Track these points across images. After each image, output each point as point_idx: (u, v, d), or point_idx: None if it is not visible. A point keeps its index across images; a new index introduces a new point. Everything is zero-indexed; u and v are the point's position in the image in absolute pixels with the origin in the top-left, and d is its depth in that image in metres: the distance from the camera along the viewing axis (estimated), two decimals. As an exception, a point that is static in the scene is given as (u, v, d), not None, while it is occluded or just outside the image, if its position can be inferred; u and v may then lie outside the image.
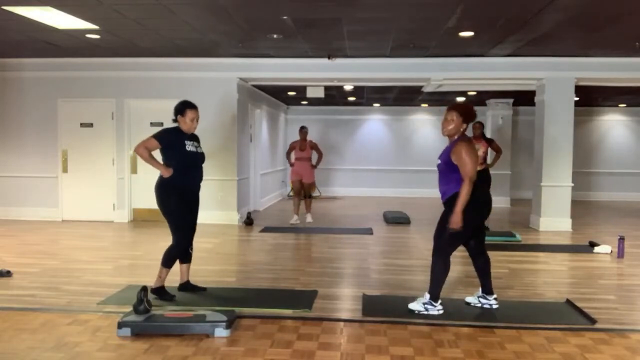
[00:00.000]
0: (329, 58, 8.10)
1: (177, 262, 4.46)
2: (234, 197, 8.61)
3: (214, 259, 6.09)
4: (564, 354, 3.30)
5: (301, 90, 10.32)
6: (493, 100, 12.00)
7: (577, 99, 8.78)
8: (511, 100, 12.07)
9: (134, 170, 8.73)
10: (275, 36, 6.76)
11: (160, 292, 4.29)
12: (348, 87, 10.02)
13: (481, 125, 7.89)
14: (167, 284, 4.39)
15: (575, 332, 3.69)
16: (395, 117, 14.31)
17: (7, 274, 5.08)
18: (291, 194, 13.01)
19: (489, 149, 7.90)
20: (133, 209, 8.84)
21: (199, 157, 4.44)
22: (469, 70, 8.22)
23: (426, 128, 14.25)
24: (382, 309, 4.17)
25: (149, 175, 8.62)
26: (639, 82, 8.59)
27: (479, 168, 4.60)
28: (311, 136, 9.03)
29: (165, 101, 8.59)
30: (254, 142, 10.55)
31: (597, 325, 3.82)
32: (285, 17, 5.85)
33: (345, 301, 4.48)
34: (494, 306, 4.17)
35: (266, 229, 8.17)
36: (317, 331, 3.66)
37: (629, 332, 3.73)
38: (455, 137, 3.99)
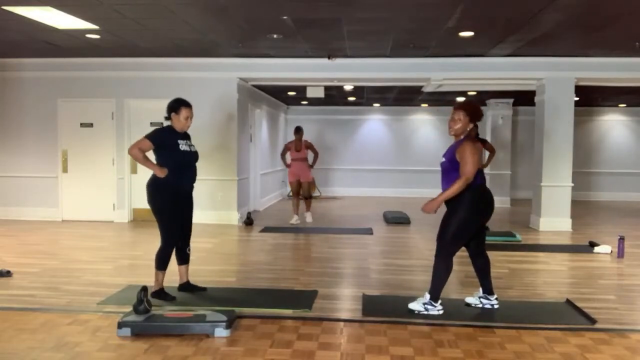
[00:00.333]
0: (329, 58, 8.10)
1: (175, 263, 4.45)
2: (234, 197, 8.61)
3: (213, 259, 6.09)
4: (564, 354, 3.30)
5: (301, 90, 10.32)
6: (493, 100, 12.01)
7: (577, 99, 8.77)
8: (511, 100, 12.08)
9: (134, 170, 8.73)
10: (275, 36, 6.76)
11: (160, 294, 4.28)
12: (348, 87, 10.02)
13: (476, 126, 7.90)
14: (166, 284, 4.39)
15: (575, 332, 3.69)
16: (395, 117, 14.31)
17: (7, 274, 5.08)
18: (291, 194, 13.04)
19: (484, 150, 7.93)
20: (133, 209, 8.84)
21: (193, 156, 4.39)
22: (469, 70, 8.22)
23: (426, 128, 14.26)
24: (382, 309, 4.17)
25: (149, 175, 8.66)
26: (639, 82, 8.59)
27: None
28: (312, 136, 9.05)
29: (165, 101, 8.41)
30: (254, 142, 10.56)
31: (597, 325, 3.82)
32: (285, 17, 5.85)
33: (345, 301, 4.48)
34: (495, 306, 4.17)
35: (266, 229, 8.17)
36: (317, 331, 3.66)
37: (629, 332, 3.73)
38: (462, 136, 3.99)
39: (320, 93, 9.95)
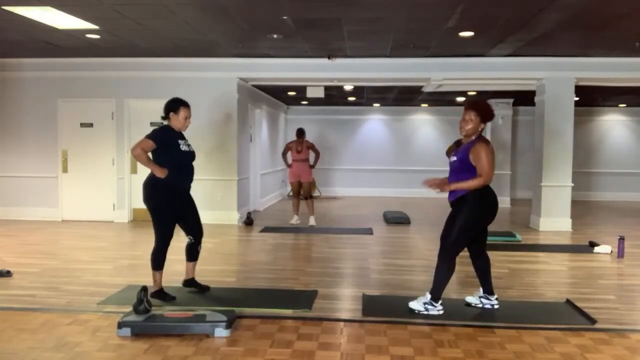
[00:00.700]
0: (329, 58, 8.10)
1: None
2: (234, 197, 8.61)
3: (214, 259, 6.09)
4: (564, 354, 3.30)
5: (301, 90, 10.32)
6: (493, 100, 11.99)
7: (577, 99, 8.77)
8: (511, 100, 12.08)
9: (133, 170, 8.73)
10: (275, 36, 6.76)
11: (160, 294, 4.28)
12: (348, 87, 10.02)
13: None
14: (167, 284, 4.39)
15: (575, 332, 3.69)
16: (395, 117, 14.31)
17: (7, 274, 5.08)
18: (291, 194, 13.03)
19: None
20: (133, 209, 8.84)
21: (192, 156, 4.38)
22: (469, 70, 8.22)
23: (426, 128, 14.26)
24: (382, 309, 4.17)
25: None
26: (639, 82, 8.59)
27: None
28: (312, 136, 9.05)
29: (165, 101, 8.59)
30: (254, 142, 10.55)
31: (597, 325, 3.82)
32: (285, 17, 5.85)
33: (345, 301, 4.48)
34: (495, 306, 4.17)
35: (266, 229, 8.17)
36: (317, 331, 3.66)
37: (629, 332, 3.73)
38: (473, 137, 3.97)
39: (320, 93, 9.95)
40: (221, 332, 3.52)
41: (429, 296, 4.03)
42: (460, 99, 11.85)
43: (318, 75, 8.54)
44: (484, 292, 4.21)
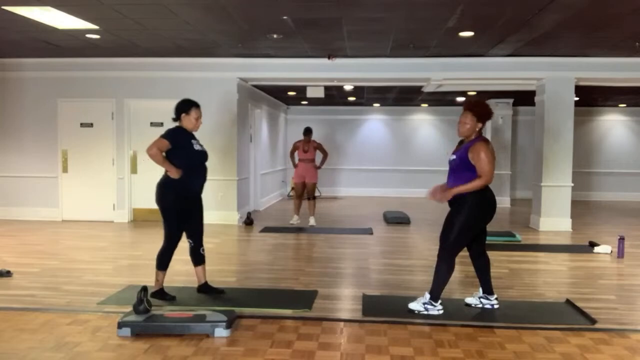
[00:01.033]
0: (329, 58, 8.10)
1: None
2: (234, 197, 8.61)
3: (214, 259, 6.09)
4: (564, 354, 3.30)
5: (301, 90, 10.32)
6: (493, 100, 11.99)
7: (577, 99, 8.77)
8: (511, 100, 12.08)
9: (134, 170, 8.73)
10: (275, 36, 6.77)
11: (160, 294, 4.28)
12: (348, 87, 10.02)
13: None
14: (168, 284, 4.39)
15: (575, 332, 3.69)
16: (395, 117, 14.31)
17: (7, 274, 5.08)
18: (291, 194, 13.03)
19: None
20: (133, 209, 8.84)
21: (205, 156, 4.40)
22: (469, 70, 8.22)
23: (426, 128, 14.26)
24: (382, 309, 4.16)
25: (149, 175, 8.66)
26: (639, 82, 8.59)
27: None
28: (312, 136, 8.99)
29: (165, 101, 8.56)
30: (254, 142, 10.55)
31: (597, 325, 3.82)
32: (285, 17, 5.85)
33: (345, 301, 4.48)
34: (495, 306, 4.18)
35: (266, 229, 8.17)
36: (317, 331, 3.66)
37: (629, 332, 3.73)
38: (473, 137, 3.98)
39: (320, 93, 9.95)
40: (221, 332, 3.52)
41: (428, 296, 4.03)
42: (460, 99, 11.85)
43: (318, 75, 8.53)
44: (483, 292, 4.21)
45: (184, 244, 4.46)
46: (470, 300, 4.28)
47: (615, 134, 13.86)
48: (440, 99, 12.15)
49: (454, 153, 4.09)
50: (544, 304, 4.38)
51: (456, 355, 3.26)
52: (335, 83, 9.19)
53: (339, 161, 14.19)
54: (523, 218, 9.60)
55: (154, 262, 4.31)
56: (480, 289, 4.22)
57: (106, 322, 3.78)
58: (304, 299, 4.39)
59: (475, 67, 8.17)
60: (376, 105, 14.04)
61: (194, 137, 4.35)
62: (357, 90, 10.78)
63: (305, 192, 8.85)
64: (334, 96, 11.82)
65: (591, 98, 11.49)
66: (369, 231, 8.06)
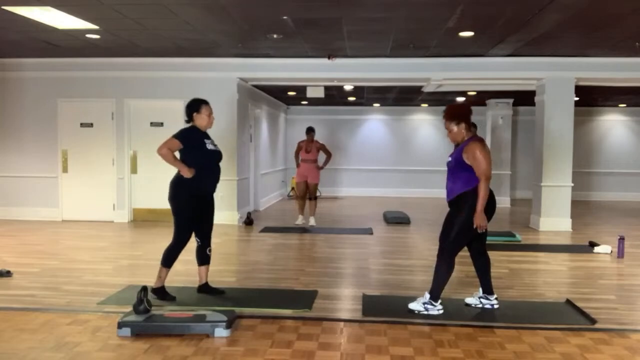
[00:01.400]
0: (329, 58, 8.10)
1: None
2: (234, 197, 8.61)
3: (214, 259, 6.04)
4: (564, 354, 3.30)
5: (301, 90, 10.32)
6: (493, 100, 12.01)
7: (577, 99, 8.77)
8: (511, 100, 12.08)
9: (134, 170, 8.73)
10: (275, 36, 6.77)
11: (161, 292, 4.28)
12: (348, 87, 10.02)
13: (474, 126, 7.93)
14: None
15: (575, 332, 3.69)
16: (395, 117, 14.31)
17: (7, 274, 5.08)
18: (291, 194, 13.03)
19: None
20: (133, 209, 8.84)
21: (219, 156, 4.38)
22: (469, 70, 8.23)
23: (426, 128, 14.26)
24: (382, 309, 4.16)
25: (149, 175, 8.70)
26: (639, 82, 8.59)
27: None
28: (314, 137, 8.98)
29: (165, 101, 8.63)
30: (254, 142, 10.55)
31: (597, 325, 3.82)
32: (285, 17, 5.85)
33: (345, 301, 4.48)
34: (495, 306, 4.18)
35: (266, 229, 8.17)
36: (317, 331, 3.66)
37: (629, 332, 3.73)
38: (466, 139, 3.99)
39: (320, 93, 9.95)
40: (221, 332, 3.52)
41: (428, 296, 4.04)
42: (460, 99, 11.84)
43: (318, 75, 8.53)
44: (483, 292, 4.21)
45: (188, 244, 4.46)
46: (470, 300, 4.28)
47: (615, 134, 13.87)
48: (440, 99, 12.14)
49: (449, 155, 4.11)
50: (544, 304, 4.38)
51: (456, 355, 3.26)
52: (335, 83, 9.19)
53: (339, 161, 14.18)
54: (523, 218, 9.60)
55: (154, 262, 4.31)
56: (480, 289, 4.22)
57: (106, 322, 3.78)
58: (304, 299, 4.39)
59: (475, 67, 8.17)
60: (376, 105, 14.04)
61: (207, 137, 4.35)
62: (357, 90, 10.78)
63: (307, 193, 8.84)
64: (334, 96, 11.82)
65: (591, 98, 11.49)
66: (369, 231, 8.06)
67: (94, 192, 8.75)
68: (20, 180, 8.81)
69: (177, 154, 4.21)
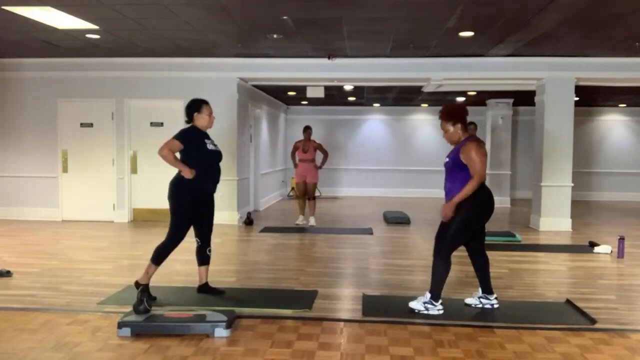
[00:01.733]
0: (329, 58, 8.10)
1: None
2: (234, 197, 8.61)
3: (214, 259, 6.04)
4: (564, 354, 3.30)
5: (301, 90, 10.32)
6: (493, 100, 12.01)
7: (577, 99, 8.77)
8: (511, 100, 12.08)
9: (134, 170, 8.73)
10: (275, 36, 6.76)
11: (145, 290, 4.13)
12: (348, 87, 10.02)
13: (474, 125, 7.96)
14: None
15: (575, 332, 3.69)
16: (395, 117, 14.31)
17: (7, 274, 5.08)
18: (291, 194, 13.03)
19: None
20: (133, 209, 8.84)
21: (219, 156, 4.38)
22: (469, 70, 8.23)
23: (426, 128, 14.26)
24: (382, 309, 4.16)
25: (149, 175, 8.70)
26: (639, 82, 8.59)
27: None
28: (312, 136, 8.98)
29: (165, 101, 8.63)
30: (254, 142, 10.55)
31: (597, 325, 3.82)
32: (285, 17, 5.85)
33: (345, 301, 4.48)
34: (495, 306, 4.18)
35: (266, 229, 8.17)
36: (317, 331, 3.66)
37: (629, 332, 3.73)
38: (462, 139, 4.00)
39: (320, 93, 9.95)
40: (221, 332, 3.52)
41: (428, 295, 4.04)
42: (461, 99, 11.85)
43: (318, 75, 8.53)
44: (482, 292, 4.21)
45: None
46: (470, 300, 4.28)
47: (615, 134, 13.87)
48: (440, 99, 12.14)
49: (447, 155, 4.11)
50: (544, 304, 4.38)
51: (456, 355, 3.26)
52: (335, 83, 9.19)
53: (339, 161, 14.19)
54: (523, 218, 9.60)
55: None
56: (480, 289, 4.22)
57: (106, 322, 3.78)
58: (304, 299, 4.39)
59: (475, 67, 8.17)
60: (376, 105, 14.04)
61: (207, 137, 4.34)
62: (357, 90, 10.78)
63: (306, 192, 8.83)
64: (334, 96, 11.82)
65: (591, 98, 11.49)
66: (369, 231, 8.06)
67: (94, 192, 8.75)
68: (20, 180, 8.81)
69: (178, 155, 4.21)
